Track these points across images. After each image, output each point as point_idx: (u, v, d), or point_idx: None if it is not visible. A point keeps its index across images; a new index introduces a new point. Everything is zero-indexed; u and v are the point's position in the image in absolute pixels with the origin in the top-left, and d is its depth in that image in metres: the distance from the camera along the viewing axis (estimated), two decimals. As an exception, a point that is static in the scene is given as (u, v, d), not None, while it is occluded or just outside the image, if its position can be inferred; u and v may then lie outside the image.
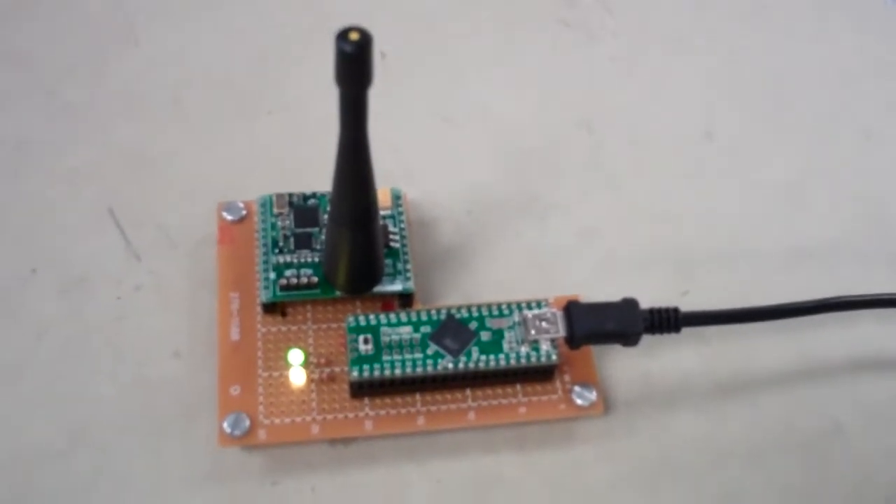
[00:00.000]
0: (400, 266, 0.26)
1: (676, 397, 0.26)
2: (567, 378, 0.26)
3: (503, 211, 0.30)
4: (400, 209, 0.27)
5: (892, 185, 0.32)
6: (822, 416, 0.26)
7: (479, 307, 0.25)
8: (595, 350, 0.26)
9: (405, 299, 0.26)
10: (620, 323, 0.25)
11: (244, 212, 0.28)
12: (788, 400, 0.27)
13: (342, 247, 0.24)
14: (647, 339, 0.25)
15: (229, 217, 0.28)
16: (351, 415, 0.24)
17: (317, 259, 0.26)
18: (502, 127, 0.32)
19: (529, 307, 0.25)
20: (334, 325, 0.26)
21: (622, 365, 0.27)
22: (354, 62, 0.19)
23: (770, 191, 0.31)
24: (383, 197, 0.27)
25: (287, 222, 0.27)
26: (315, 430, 0.24)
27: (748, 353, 0.27)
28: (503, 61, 0.34)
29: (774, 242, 0.30)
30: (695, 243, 0.29)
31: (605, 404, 0.26)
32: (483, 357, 0.24)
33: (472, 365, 0.24)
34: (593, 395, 0.25)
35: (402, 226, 0.27)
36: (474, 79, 0.33)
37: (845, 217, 0.31)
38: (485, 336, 0.25)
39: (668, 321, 0.25)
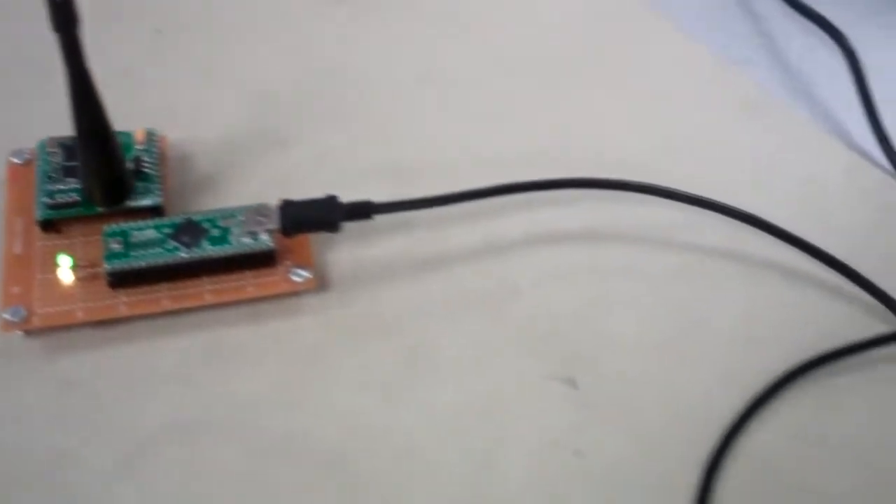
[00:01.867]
0: (152, 187, 0.33)
1: (384, 274, 0.33)
2: (289, 263, 0.32)
3: (251, 146, 0.36)
4: (153, 144, 0.34)
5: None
6: (503, 280, 0.33)
7: (211, 211, 0.32)
8: (316, 241, 0.33)
9: (156, 212, 0.32)
10: (323, 213, 0.31)
11: (28, 156, 0.34)
12: (476, 269, 0.33)
13: (89, 165, 0.30)
14: (362, 230, 0.32)
15: (16, 160, 0.34)
16: (109, 302, 0.31)
17: (80, 185, 0.32)
18: (255, 78, 0.38)
19: (252, 208, 0.32)
20: (99, 237, 0.32)
21: (341, 252, 0.33)
22: (61, 8, 0.26)
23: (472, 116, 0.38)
24: (140, 134, 0.34)
25: (58, 158, 0.33)
26: (80, 315, 0.30)
27: (444, 235, 0.34)
28: (261, 25, 0.40)
29: (470, 154, 0.37)
30: (409, 160, 0.36)
31: (325, 282, 0.32)
32: (213, 247, 0.31)
33: (203, 254, 0.31)
34: (308, 274, 0.32)
35: (155, 156, 0.33)
36: (235, 39, 0.40)
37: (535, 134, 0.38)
38: (215, 232, 0.31)
39: (362, 210, 0.32)
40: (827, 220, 0.36)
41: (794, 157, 0.38)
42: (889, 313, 0.33)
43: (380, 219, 0.33)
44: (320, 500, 0.28)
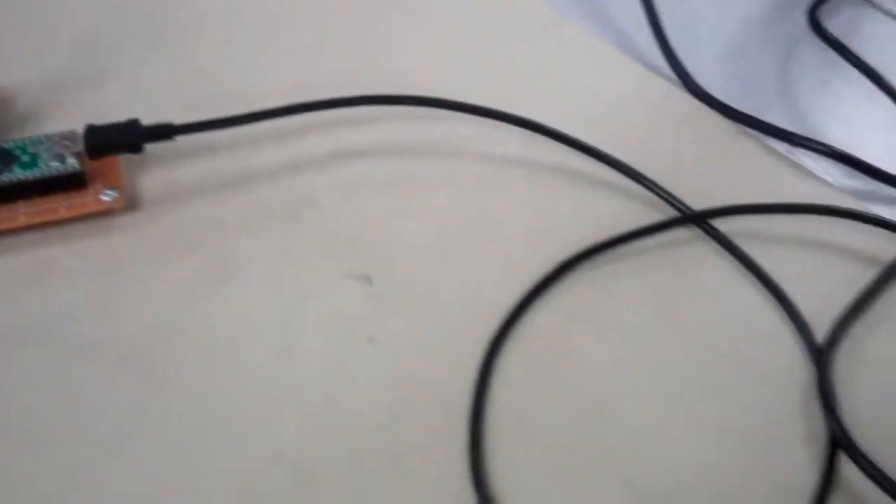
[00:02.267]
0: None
1: (191, 193, 0.35)
2: (99, 185, 0.34)
3: (69, 84, 0.38)
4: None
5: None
6: (305, 195, 0.36)
7: (21, 139, 0.34)
8: (128, 166, 0.35)
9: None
10: (125, 135, 0.34)
11: None
12: (279, 185, 0.36)
13: None
14: (170, 154, 0.34)
15: None
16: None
17: None
18: (70, 17, 0.40)
19: (59, 134, 0.34)
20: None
21: (151, 175, 0.35)
22: None
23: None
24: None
25: None
26: None
27: (248, 155, 0.36)
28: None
29: (282, 83, 0.39)
30: (224, 91, 0.38)
31: (135, 203, 0.34)
32: (23, 172, 0.33)
33: (14, 178, 0.33)
34: (116, 194, 0.34)
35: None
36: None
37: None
38: (25, 158, 0.33)
39: (162, 131, 0.34)
40: (615, 127, 0.39)
41: (585, 72, 0.41)
42: (667, 206, 0.36)
43: (187, 142, 0.35)
44: (126, 395, 0.30)
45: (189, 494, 0.28)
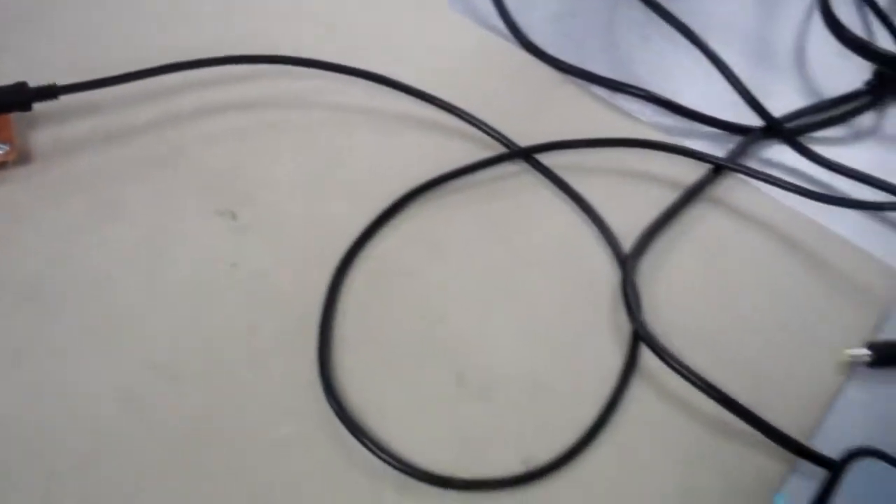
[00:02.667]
0: None
1: (79, 147, 0.40)
2: (-8, 141, 0.39)
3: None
4: None
5: None
6: (178, 145, 0.41)
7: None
8: (21, 124, 0.40)
9: None
10: (13, 95, 0.38)
11: None
12: (155, 137, 0.41)
13: None
14: (59, 113, 0.39)
15: None
16: None
17: None
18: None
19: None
20: None
21: (43, 131, 0.40)
22: None
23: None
24: None
25: None
26: None
27: (128, 112, 0.41)
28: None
29: (157, 51, 0.44)
30: (108, 60, 0.43)
31: (27, 156, 0.39)
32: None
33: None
34: (7, 147, 0.38)
35: None
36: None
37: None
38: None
39: (48, 91, 0.39)
40: (454, 79, 0.44)
41: (429, 33, 0.46)
42: (498, 144, 0.42)
43: (72, 101, 0.40)
44: (22, 321, 0.35)
45: (79, 399, 0.33)
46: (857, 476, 0.31)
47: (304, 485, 0.32)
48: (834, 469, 0.31)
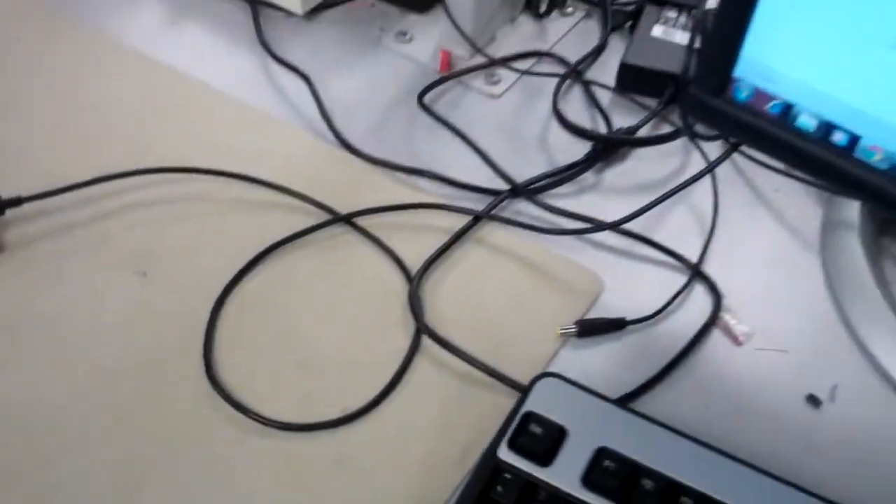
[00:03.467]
0: None
1: (38, 237, 0.59)
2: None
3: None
4: None
5: None
6: (106, 226, 0.60)
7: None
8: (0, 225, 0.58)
9: None
10: (-9, 206, 0.57)
11: None
12: (92, 226, 0.60)
13: None
14: (14, 220, 0.58)
15: None
16: None
17: None
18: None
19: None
20: None
21: (15, 230, 0.59)
22: None
23: None
24: None
25: None
26: None
27: (66, 209, 0.60)
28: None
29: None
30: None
31: (3, 246, 0.58)
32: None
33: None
34: (-12, 241, 0.57)
35: None
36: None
37: None
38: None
39: (15, 201, 0.58)
40: (291, 172, 0.64)
41: (272, 140, 0.66)
42: (325, 213, 0.61)
43: (32, 207, 0.59)
44: None
45: (33, 395, 0.51)
46: (542, 387, 0.50)
47: (196, 440, 0.51)
48: (528, 386, 0.50)
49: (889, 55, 0.47)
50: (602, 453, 0.47)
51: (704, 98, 0.54)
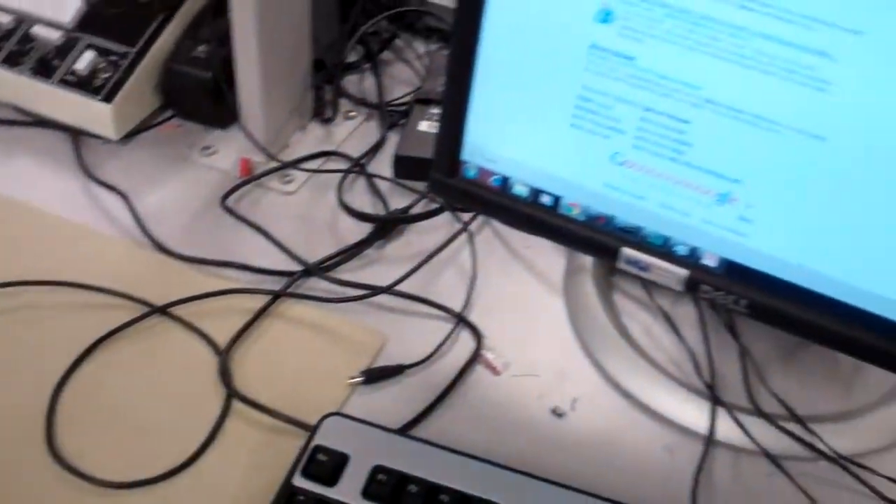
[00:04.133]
0: None
1: None
2: None
3: None
4: None
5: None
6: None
7: None
8: None
9: None
10: None
11: None
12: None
13: None
14: None
15: None
16: None
17: None
18: None
19: None
20: None
21: None
22: None
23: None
24: None
25: None
26: None
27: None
28: None
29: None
30: None
31: None
32: None
33: None
34: None
35: None
36: None
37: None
38: None
39: None
40: (118, 273, 0.74)
41: (94, 252, 0.76)
42: (145, 306, 0.72)
43: None
44: None
45: None
46: (327, 425, 0.61)
47: (37, 496, 0.60)
48: (316, 425, 0.62)
49: (570, 132, 0.62)
50: (377, 470, 0.59)
51: (443, 179, 0.68)
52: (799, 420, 0.66)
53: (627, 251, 0.63)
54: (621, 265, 0.64)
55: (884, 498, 0.62)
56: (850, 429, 0.66)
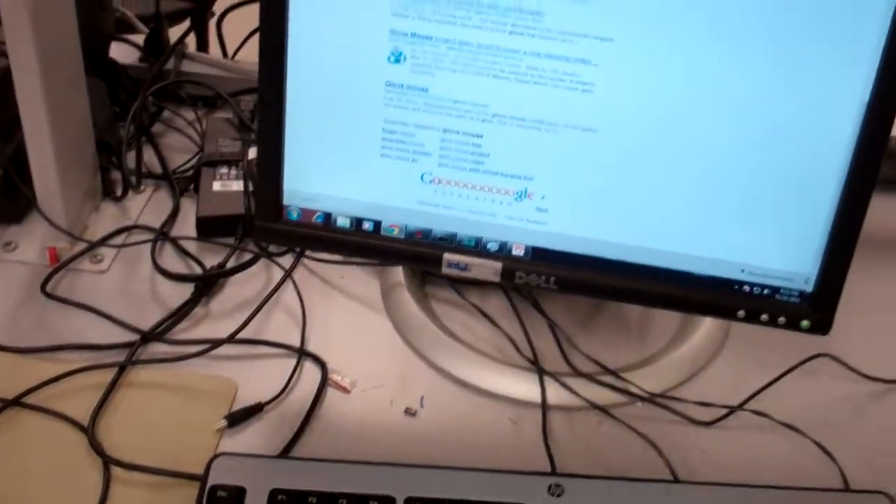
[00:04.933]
0: None
1: None
2: None
3: None
4: None
5: None
6: None
7: None
8: None
9: None
10: None
11: None
12: None
13: None
14: None
15: None
16: None
17: None
18: None
19: None
20: None
21: None
22: None
23: None
24: None
25: None
26: None
27: None
28: None
29: None
30: None
31: None
32: None
33: None
34: None
35: None
36: None
37: None
38: None
39: None
40: None
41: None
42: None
43: None
44: None
45: None
46: (216, 466, 0.66)
47: None
48: (206, 469, 0.66)
49: (380, 162, 0.70)
50: (275, 493, 0.64)
51: (267, 225, 0.74)
52: (612, 372, 0.77)
53: (448, 256, 0.72)
54: (445, 270, 0.72)
55: (694, 421, 0.74)
56: (654, 371, 0.78)
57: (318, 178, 0.72)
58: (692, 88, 0.64)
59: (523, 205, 0.70)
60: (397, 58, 0.67)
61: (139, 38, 1.10)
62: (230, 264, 0.86)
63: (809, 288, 0.69)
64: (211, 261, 0.87)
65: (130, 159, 0.97)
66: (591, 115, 0.66)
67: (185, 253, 0.88)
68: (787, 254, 0.68)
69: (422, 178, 0.70)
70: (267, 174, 0.73)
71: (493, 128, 0.68)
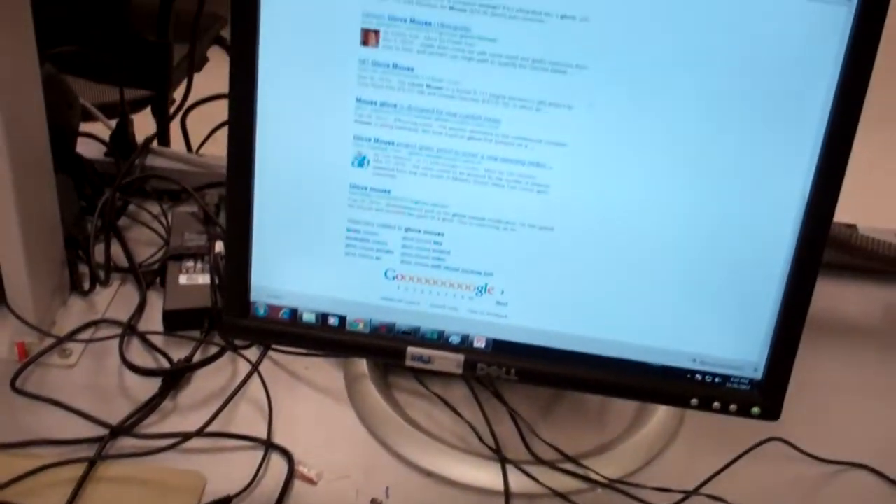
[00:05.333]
0: None
1: None
2: None
3: None
4: None
5: None
6: None
7: None
8: None
9: None
10: None
11: None
12: None
13: None
14: None
15: None
16: None
17: None
18: None
19: None
20: None
21: None
22: None
23: None
24: None
25: None
26: None
27: None
28: None
29: None
30: None
31: None
32: None
33: None
34: None
35: None
36: None
37: None
38: None
39: None
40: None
41: None
42: None
43: None
44: None
45: None
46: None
47: None
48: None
49: (345, 260, 0.72)
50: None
51: (235, 321, 0.76)
52: (572, 459, 0.79)
53: (412, 350, 0.74)
54: (408, 362, 0.75)
55: (652, 505, 0.77)
56: (613, 457, 0.80)
57: (284, 275, 0.75)
58: (641, 188, 0.68)
59: (484, 299, 0.73)
60: (361, 161, 0.70)
61: (104, 132, 1.12)
62: (197, 358, 0.88)
63: (759, 375, 0.72)
64: (178, 354, 0.88)
65: (98, 253, 0.98)
66: (547, 214, 0.70)
67: (152, 347, 0.89)
68: (735, 343, 0.72)
69: (385, 274, 0.73)
70: (235, 271, 0.75)
71: (454, 227, 0.71)
